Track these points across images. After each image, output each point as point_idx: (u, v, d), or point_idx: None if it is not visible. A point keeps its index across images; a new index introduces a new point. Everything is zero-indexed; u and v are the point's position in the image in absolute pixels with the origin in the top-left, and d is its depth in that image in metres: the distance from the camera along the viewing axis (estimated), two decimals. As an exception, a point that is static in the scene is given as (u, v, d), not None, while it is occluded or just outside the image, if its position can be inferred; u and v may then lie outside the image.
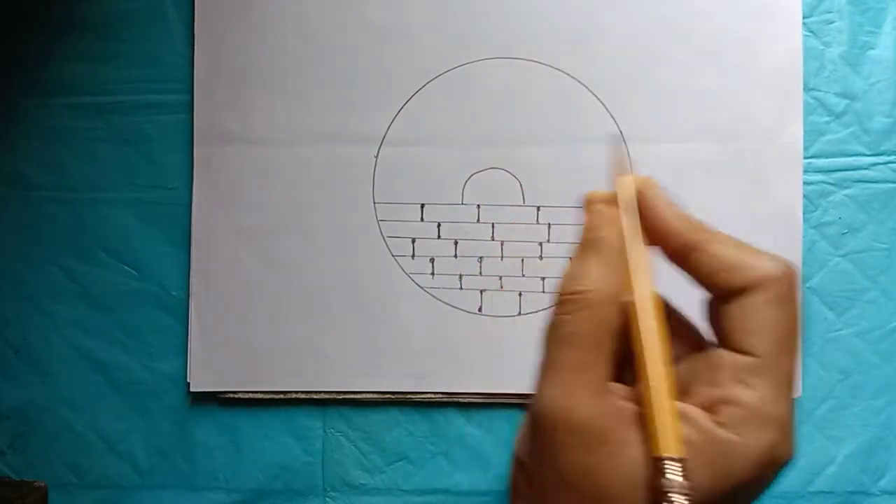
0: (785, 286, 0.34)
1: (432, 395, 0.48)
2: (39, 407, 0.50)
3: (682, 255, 0.35)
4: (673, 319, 0.36)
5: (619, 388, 0.34)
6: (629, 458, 0.32)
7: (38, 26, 0.50)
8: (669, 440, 0.31)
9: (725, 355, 0.33)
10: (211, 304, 0.49)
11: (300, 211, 0.49)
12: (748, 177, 0.48)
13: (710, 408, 0.32)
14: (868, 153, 0.49)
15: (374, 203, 0.49)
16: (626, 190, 0.36)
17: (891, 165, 0.49)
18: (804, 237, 0.48)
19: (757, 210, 0.48)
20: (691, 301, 0.35)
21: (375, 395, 0.49)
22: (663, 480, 0.30)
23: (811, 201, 0.49)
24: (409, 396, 0.49)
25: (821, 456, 0.48)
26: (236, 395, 0.49)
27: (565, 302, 0.34)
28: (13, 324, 0.51)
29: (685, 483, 0.30)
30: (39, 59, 0.50)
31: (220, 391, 0.49)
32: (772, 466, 0.32)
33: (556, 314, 0.34)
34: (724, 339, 0.34)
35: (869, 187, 0.49)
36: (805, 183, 0.48)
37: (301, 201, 0.49)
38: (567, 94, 0.48)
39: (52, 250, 0.50)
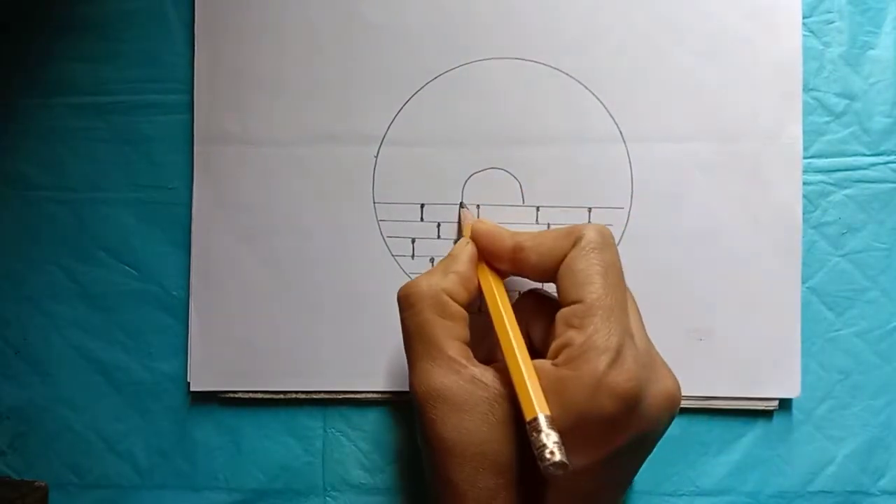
0: (596, 238, 0.39)
1: (433, 394, 0.49)
2: (39, 407, 0.50)
3: (515, 260, 0.42)
4: (546, 304, 0.42)
5: (489, 365, 0.40)
6: (497, 418, 0.37)
7: (38, 26, 0.50)
8: (532, 402, 0.35)
9: (562, 311, 0.38)
10: (211, 304, 0.49)
11: (300, 211, 0.49)
12: (748, 177, 0.48)
13: (554, 357, 0.37)
14: (868, 153, 0.49)
15: (374, 203, 0.49)
16: (470, 227, 0.44)
17: (891, 165, 0.49)
18: (804, 237, 0.48)
19: (757, 210, 0.48)
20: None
21: (375, 395, 0.49)
22: (537, 438, 0.34)
23: (811, 201, 0.49)
24: (408, 396, 0.49)
25: (821, 456, 0.49)
26: (236, 395, 0.49)
27: (404, 302, 0.41)
28: (13, 324, 0.51)
29: (556, 436, 0.34)
30: (39, 59, 0.50)
31: (220, 391, 0.49)
32: (608, 393, 0.35)
33: (401, 315, 0.41)
34: (562, 300, 0.39)
35: (869, 187, 0.49)
36: (805, 183, 0.48)
37: (301, 201, 0.49)
38: (567, 94, 0.48)
39: (52, 250, 0.50)
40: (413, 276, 0.48)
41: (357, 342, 0.49)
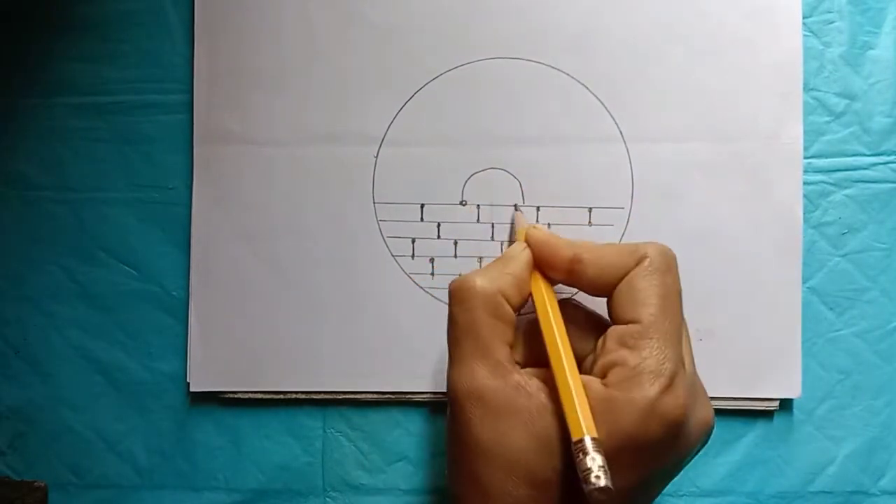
0: (659, 260, 0.39)
1: (432, 395, 0.48)
2: (39, 407, 0.50)
3: (572, 271, 0.41)
4: (581, 315, 0.42)
5: (531, 371, 0.39)
6: (537, 429, 0.36)
7: (38, 26, 0.51)
8: (580, 423, 0.35)
9: (615, 328, 0.38)
10: (211, 304, 0.49)
11: (300, 211, 0.49)
12: (748, 177, 0.48)
13: (603, 375, 0.37)
14: (868, 153, 0.49)
15: (374, 203, 0.49)
16: (524, 231, 0.43)
17: (891, 165, 0.49)
18: (804, 237, 0.48)
19: (757, 210, 0.48)
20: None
21: (375, 395, 0.49)
22: (582, 460, 0.34)
23: (811, 201, 0.49)
24: (409, 396, 0.49)
25: (821, 456, 0.49)
26: (236, 395, 0.49)
27: (456, 295, 0.40)
28: (13, 324, 0.51)
29: (602, 460, 0.33)
30: (40, 59, 0.50)
31: (220, 391, 0.49)
32: (659, 419, 0.35)
33: (451, 308, 0.40)
34: (615, 318, 0.39)
35: (869, 187, 0.49)
36: (805, 183, 0.48)
37: (301, 201, 0.49)
38: (567, 94, 0.48)
39: (52, 250, 0.50)
40: (412, 276, 0.48)
41: (357, 342, 0.49)
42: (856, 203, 0.49)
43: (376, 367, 0.49)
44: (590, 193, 0.48)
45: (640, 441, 0.35)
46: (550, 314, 0.40)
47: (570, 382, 0.36)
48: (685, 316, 0.39)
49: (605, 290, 0.40)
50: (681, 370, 0.37)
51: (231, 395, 0.49)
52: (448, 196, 0.49)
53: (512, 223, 0.48)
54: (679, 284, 0.39)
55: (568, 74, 0.48)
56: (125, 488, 0.50)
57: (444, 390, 0.45)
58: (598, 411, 0.35)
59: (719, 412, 0.47)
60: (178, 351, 0.50)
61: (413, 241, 0.49)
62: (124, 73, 0.50)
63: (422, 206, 0.49)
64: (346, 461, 0.49)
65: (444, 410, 0.40)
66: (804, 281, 0.48)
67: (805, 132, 0.48)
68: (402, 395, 0.49)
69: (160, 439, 0.50)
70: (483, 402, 0.37)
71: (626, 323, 0.38)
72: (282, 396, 0.49)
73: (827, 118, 0.49)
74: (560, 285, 0.42)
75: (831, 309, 0.49)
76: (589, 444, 0.34)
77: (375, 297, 0.49)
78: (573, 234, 0.44)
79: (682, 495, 0.49)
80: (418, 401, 0.49)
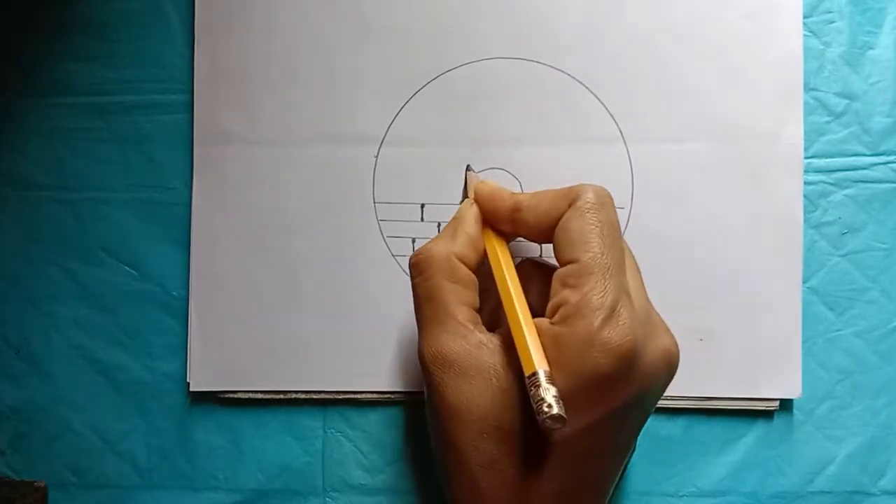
0: (592, 198, 0.39)
1: (433, 395, 0.49)
2: (39, 407, 0.50)
3: (514, 220, 0.42)
4: (542, 271, 0.43)
5: (498, 331, 0.40)
6: (501, 383, 0.38)
7: (37, 26, 0.51)
8: (531, 358, 0.36)
9: (559, 271, 0.39)
10: (211, 304, 0.49)
11: (300, 211, 0.49)
12: (748, 177, 0.48)
13: (551, 316, 0.37)
14: (868, 153, 0.49)
15: (375, 203, 0.49)
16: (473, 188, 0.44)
17: (891, 165, 0.49)
18: (804, 237, 0.48)
19: (757, 210, 0.48)
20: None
21: (375, 395, 0.49)
22: (535, 392, 0.35)
23: (811, 201, 0.49)
24: (408, 396, 0.49)
25: (821, 456, 0.48)
26: (236, 395, 0.49)
27: (415, 268, 0.41)
28: (13, 324, 0.51)
29: (555, 391, 0.34)
30: (39, 59, 0.51)
31: (220, 391, 0.49)
32: (603, 349, 0.36)
33: (412, 281, 0.42)
34: (558, 261, 0.40)
35: (869, 187, 0.49)
36: (805, 183, 0.48)
37: (301, 201, 0.49)
38: (567, 95, 0.48)
39: (52, 250, 0.50)
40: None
41: (357, 342, 0.49)
42: (856, 203, 0.49)
43: (376, 367, 0.49)
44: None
45: (588, 374, 0.36)
46: (502, 262, 0.41)
47: (522, 322, 0.37)
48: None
49: (546, 234, 0.41)
50: (624, 300, 0.37)
51: (231, 395, 0.49)
52: (448, 196, 0.49)
53: (465, 184, 0.48)
54: (615, 219, 0.40)
55: (568, 74, 0.48)
56: (125, 488, 0.50)
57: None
58: (548, 349, 0.37)
59: (719, 412, 0.48)
60: (178, 351, 0.50)
61: (413, 241, 0.49)
62: (124, 73, 0.50)
63: (422, 205, 0.49)
64: (346, 461, 0.49)
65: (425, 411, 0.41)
66: (804, 281, 0.48)
67: (805, 132, 0.48)
68: (402, 395, 0.49)
69: (160, 439, 0.50)
70: (448, 365, 0.39)
71: (567, 264, 0.39)
72: (282, 396, 0.49)
73: (827, 118, 0.49)
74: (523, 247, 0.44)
75: (831, 309, 0.49)
76: (542, 376, 0.35)
77: (375, 297, 0.49)
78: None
79: (682, 495, 0.48)
80: (419, 401, 0.49)
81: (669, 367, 0.39)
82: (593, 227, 0.39)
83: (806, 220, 0.48)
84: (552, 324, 0.37)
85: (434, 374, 0.39)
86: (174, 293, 0.50)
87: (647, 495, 0.49)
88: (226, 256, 0.49)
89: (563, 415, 0.34)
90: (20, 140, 0.50)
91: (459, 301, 0.40)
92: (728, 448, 0.49)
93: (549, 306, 0.38)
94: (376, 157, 0.49)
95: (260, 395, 0.49)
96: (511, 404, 0.38)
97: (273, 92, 0.49)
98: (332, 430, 0.50)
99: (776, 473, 0.48)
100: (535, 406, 0.34)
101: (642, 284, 0.41)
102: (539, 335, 0.37)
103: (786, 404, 0.48)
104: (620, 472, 0.41)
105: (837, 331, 0.49)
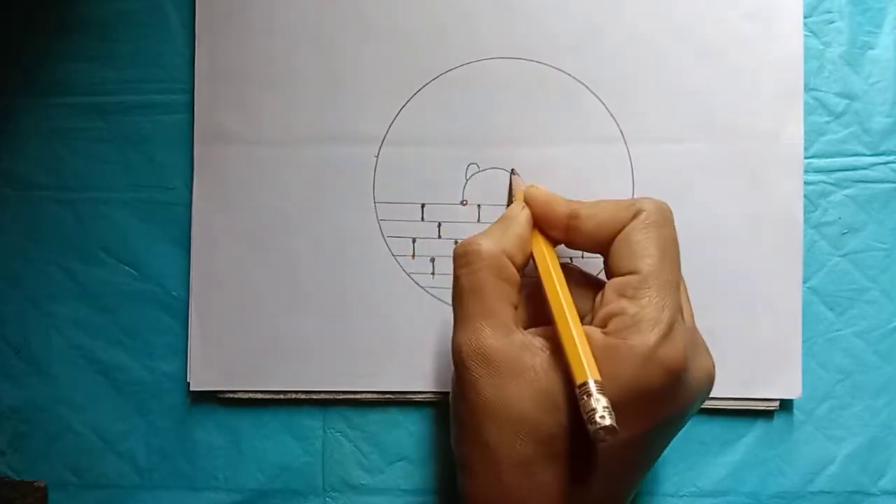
0: (656, 213, 0.39)
1: (432, 395, 0.48)
2: (39, 407, 0.50)
3: (570, 227, 0.41)
4: (580, 276, 0.43)
5: (534, 331, 0.40)
6: (542, 386, 0.37)
7: (36, 26, 0.51)
8: (583, 367, 0.35)
9: (614, 280, 0.39)
10: (211, 304, 0.49)
11: (300, 211, 0.49)
12: (748, 177, 0.48)
13: (603, 325, 0.37)
14: (868, 153, 0.49)
15: (375, 203, 0.49)
16: (522, 192, 0.44)
17: (891, 165, 0.49)
18: (804, 237, 0.48)
19: (757, 211, 0.48)
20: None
21: (375, 395, 0.49)
22: (586, 401, 0.34)
23: (811, 201, 0.49)
24: (409, 396, 0.49)
25: (821, 456, 0.48)
26: (236, 395, 0.49)
27: (461, 259, 0.40)
28: (13, 324, 0.51)
29: (606, 401, 0.34)
30: (39, 59, 0.51)
31: (220, 391, 0.49)
32: (658, 365, 0.36)
33: (456, 271, 0.41)
34: (613, 271, 0.40)
35: (869, 187, 0.49)
36: (805, 183, 0.48)
37: (301, 201, 0.49)
38: (568, 95, 0.48)
39: (52, 250, 0.50)
40: (413, 276, 0.48)
41: (357, 342, 0.49)
42: (856, 203, 0.49)
43: (376, 367, 0.49)
44: (591, 193, 0.47)
45: (641, 388, 0.36)
46: (551, 267, 0.41)
47: (573, 329, 0.37)
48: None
49: (603, 244, 0.40)
50: (679, 319, 0.37)
51: (231, 395, 0.49)
52: (449, 196, 0.49)
53: (510, 188, 0.48)
54: (676, 237, 0.40)
55: (569, 74, 0.48)
56: (125, 488, 0.50)
57: (444, 389, 0.46)
58: (600, 360, 0.36)
59: (719, 412, 0.48)
60: (178, 351, 0.50)
61: (414, 241, 0.49)
62: (124, 73, 0.50)
63: (422, 205, 0.49)
64: (346, 461, 0.49)
65: (446, 411, 0.40)
66: (804, 281, 0.48)
67: (805, 132, 0.48)
68: (402, 395, 0.49)
69: (160, 439, 0.50)
70: (488, 362, 0.38)
71: (625, 274, 0.38)
72: (282, 396, 0.49)
73: (827, 118, 0.49)
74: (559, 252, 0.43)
75: (831, 309, 0.49)
76: (592, 386, 0.34)
77: (376, 297, 0.49)
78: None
79: (682, 495, 0.49)
80: (418, 401, 0.49)
81: (709, 387, 0.40)
82: (656, 241, 0.39)
83: (806, 220, 0.48)
84: (605, 334, 0.37)
85: (471, 369, 0.38)
86: (174, 293, 0.50)
87: (648, 495, 0.49)
88: (226, 256, 0.49)
89: (615, 426, 0.33)
90: (20, 140, 0.50)
91: (504, 299, 0.40)
92: (728, 448, 0.49)
93: (602, 314, 0.38)
94: (377, 156, 0.49)
95: (260, 395, 0.49)
96: (550, 408, 0.37)
97: (273, 91, 0.49)
98: (332, 430, 0.50)
99: (776, 473, 0.48)
100: (586, 416, 0.34)
101: (690, 305, 0.41)
102: (590, 344, 0.37)
103: (786, 404, 0.48)
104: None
105: (837, 331, 0.49)
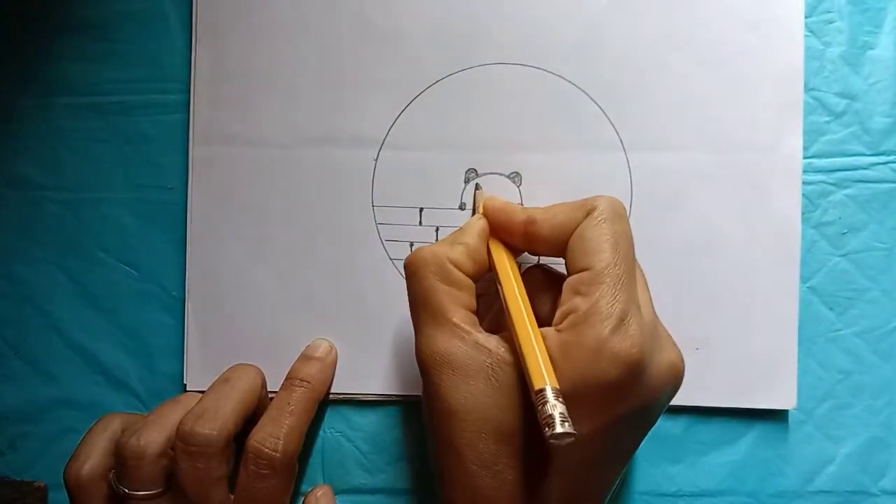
0: (608, 209, 0.40)
1: (431, 397, 0.49)
2: (39, 407, 0.50)
3: (527, 233, 0.42)
4: (547, 278, 0.44)
5: (493, 336, 0.40)
6: (500, 382, 0.38)
7: (37, 26, 0.50)
8: (540, 373, 0.36)
9: (570, 279, 0.39)
10: (208, 305, 0.49)
11: (298, 213, 0.49)
12: (747, 187, 0.48)
13: (559, 323, 0.37)
14: (868, 153, 0.49)
15: (373, 206, 0.49)
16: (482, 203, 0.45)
17: (891, 165, 0.49)
18: (804, 237, 0.48)
19: (755, 220, 0.48)
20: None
21: (375, 396, 0.49)
22: (542, 409, 0.34)
23: (811, 201, 0.49)
24: (408, 397, 0.49)
25: (821, 456, 0.49)
26: (235, 396, 0.49)
27: (409, 269, 0.42)
28: (13, 324, 0.51)
29: (563, 408, 0.34)
30: (39, 59, 0.50)
31: (218, 392, 0.49)
32: (611, 358, 0.36)
33: (407, 282, 0.42)
34: (570, 270, 0.40)
35: (869, 187, 0.49)
36: (805, 183, 0.48)
37: (299, 203, 0.49)
38: (568, 101, 0.48)
39: (52, 250, 0.50)
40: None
41: (355, 344, 0.49)
42: (856, 203, 0.49)
43: (375, 369, 0.49)
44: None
45: (594, 382, 0.36)
46: (510, 273, 0.41)
47: (529, 332, 0.38)
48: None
49: (560, 247, 0.41)
50: (633, 311, 0.37)
51: (230, 396, 0.49)
52: (447, 200, 0.49)
53: (474, 202, 0.48)
54: (629, 231, 0.40)
55: (569, 81, 0.48)
56: (125, 488, 0.50)
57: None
58: (554, 357, 0.37)
59: (720, 412, 0.48)
60: (177, 351, 0.50)
61: (411, 245, 0.49)
62: (124, 73, 0.50)
63: (420, 209, 0.49)
64: (346, 461, 0.50)
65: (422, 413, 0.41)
66: (804, 281, 0.48)
67: (805, 132, 0.48)
68: (402, 396, 0.49)
69: (160, 440, 0.50)
70: (446, 364, 0.39)
71: (579, 272, 0.39)
72: (281, 397, 0.49)
73: (827, 118, 0.49)
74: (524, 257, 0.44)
75: (831, 309, 0.49)
76: (549, 393, 0.35)
77: (373, 300, 0.49)
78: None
79: (682, 495, 0.49)
80: (418, 401, 0.49)
81: (675, 381, 0.39)
82: (608, 236, 0.39)
83: (806, 220, 0.48)
84: (559, 331, 0.38)
85: (432, 373, 0.39)
86: (174, 293, 0.50)
87: (647, 495, 0.49)
88: (223, 257, 0.49)
89: (572, 431, 0.34)
90: (20, 140, 0.50)
91: (454, 302, 0.40)
92: (728, 448, 0.49)
93: (558, 313, 0.38)
94: (376, 160, 0.49)
95: (259, 396, 0.49)
96: (511, 406, 0.38)
97: (273, 93, 0.49)
98: (332, 430, 0.50)
99: (776, 473, 0.48)
100: (542, 422, 0.34)
101: (650, 298, 0.41)
102: (545, 343, 0.37)
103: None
104: (618, 479, 0.41)
105: (837, 331, 0.49)
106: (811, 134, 0.49)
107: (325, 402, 0.49)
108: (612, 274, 0.38)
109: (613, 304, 0.37)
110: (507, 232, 0.43)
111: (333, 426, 0.50)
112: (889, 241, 0.49)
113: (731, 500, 0.49)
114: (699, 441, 0.49)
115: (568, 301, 0.38)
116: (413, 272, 0.41)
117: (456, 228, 0.44)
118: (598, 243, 0.39)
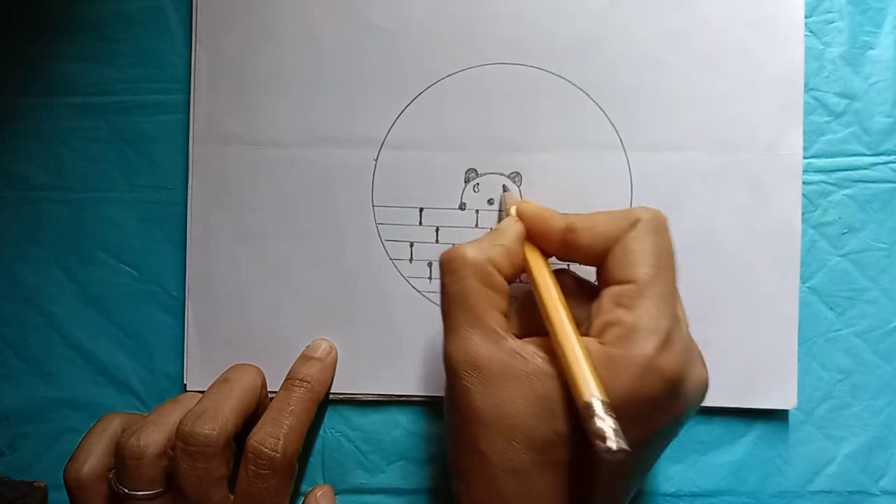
0: (652, 223, 0.39)
1: (430, 397, 0.49)
2: (39, 407, 0.50)
3: (566, 241, 0.41)
4: (574, 284, 0.43)
5: (527, 340, 0.39)
6: (536, 393, 0.37)
7: (37, 26, 0.50)
8: (589, 385, 0.34)
9: (611, 289, 0.39)
10: (208, 305, 0.49)
11: (298, 212, 0.49)
12: (747, 187, 0.48)
13: (599, 335, 0.37)
14: (868, 153, 0.49)
15: (373, 206, 0.49)
16: (515, 207, 0.43)
17: (891, 165, 0.49)
18: (804, 237, 0.48)
19: (755, 220, 0.48)
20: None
21: (375, 396, 0.49)
22: (591, 422, 0.33)
23: (811, 201, 0.49)
24: (408, 397, 0.49)
25: (821, 456, 0.49)
26: (235, 396, 0.49)
27: (447, 266, 0.40)
28: (13, 324, 0.51)
29: (614, 422, 0.33)
30: (39, 59, 0.50)
31: (218, 392, 0.49)
32: (657, 375, 0.36)
33: (442, 279, 0.40)
34: (610, 281, 0.39)
35: (869, 187, 0.49)
36: (805, 183, 0.48)
37: (299, 203, 0.49)
38: (568, 102, 0.48)
39: (52, 250, 0.50)
40: (410, 280, 0.48)
41: (354, 344, 0.49)
42: (856, 203, 0.49)
43: (374, 370, 0.49)
44: (589, 200, 0.47)
45: (639, 398, 0.36)
46: (547, 278, 0.40)
47: (573, 344, 0.36)
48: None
49: (600, 256, 0.40)
50: (676, 327, 0.37)
51: (230, 396, 0.49)
52: (447, 200, 0.49)
53: (501, 204, 0.48)
54: (672, 246, 0.40)
55: (569, 81, 0.48)
56: (125, 488, 0.50)
57: (442, 393, 0.45)
58: (598, 370, 0.36)
59: (720, 412, 0.48)
60: (177, 351, 0.50)
61: (411, 245, 0.49)
62: (124, 73, 0.50)
63: (420, 209, 0.49)
64: (346, 461, 0.50)
65: (443, 411, 0.40)
66: (804, 281, 0.48)
67: (805, 132, 0.48)
68: (402, 396, 0.49)
69: (160, 440, 0.50)
70: (479, 370, 0.37)
71: (621, 283, 0.38)
72: (281, 397, 0.49)
73: (827, 118, 0.49)
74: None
75: (831, 309, 0.49)
76: (599, 406, 0.34)
77: (373, 300, 0.49)
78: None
79: (682, 495, 0.49)
80: (418, 401, 0.49)
81: (703, 396, 0.39)
82: (653, 249, 0.39)
83: (806, 220, 0.48)
84: (602, 343, 0.37)
85: (462, 375, 0.38)
86: (174, 293, 0.50)
87: (647, 495, 0.49)
88: (223, 257, 0.49)
89: (627, 448, 0.33)
90: (20, 140, 0.50)
91: (492, 306, 0.39)
92: (728, 448, 0.49)
93: (598, 323, 0.38)
94: (376, 160, 0.49)
95: (259, 396, 0.49)
96: (545, 416, 0.37)
97: (273, 93, 0.49)
98: (332, 430, 0.50)
99: (776, 473, 0.48)
100: (593, 437, 0.33)
101: (685, 314, 0.41)
102: (588, 354, 0.36)
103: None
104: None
105: (837, 331, 0.49)
106: (811, 134, 0.49)
107: (325, 402, 0.49)
108: (656, 288, 0.37)
109: (659, 320, 0.36)
110: (543, 238, 0.42)
111: (333, 426, 0.50)
112: (889, 241, 0.49)
113: (731, 500, 0.49)
114: (699, 441, 0.49)
115: (610, 312, 0.38)
116: (452, 270, 0.40)
117: (490, 230, 0.43)
118: (643, 256, 0.38)
